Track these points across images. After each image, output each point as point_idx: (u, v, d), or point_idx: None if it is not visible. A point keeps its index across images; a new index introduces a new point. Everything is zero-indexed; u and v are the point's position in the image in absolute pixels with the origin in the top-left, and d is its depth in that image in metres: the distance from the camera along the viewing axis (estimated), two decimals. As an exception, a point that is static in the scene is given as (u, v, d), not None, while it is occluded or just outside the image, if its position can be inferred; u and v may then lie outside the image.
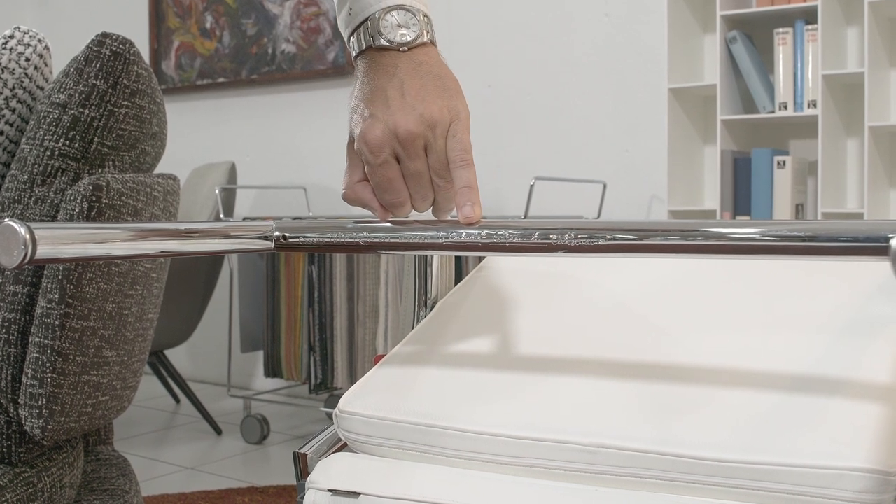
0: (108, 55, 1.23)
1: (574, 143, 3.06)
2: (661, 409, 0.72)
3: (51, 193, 1.20)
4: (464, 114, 0.80)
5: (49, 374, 1.16)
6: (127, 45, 1.25)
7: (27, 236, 0.59)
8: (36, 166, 1.21)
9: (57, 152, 1.20)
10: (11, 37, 1.29)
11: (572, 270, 0.95)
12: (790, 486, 0.65)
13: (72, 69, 1.23)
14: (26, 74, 1.28)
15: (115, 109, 1.23)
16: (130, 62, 1.24)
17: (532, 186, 2.55)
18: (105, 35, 1.24)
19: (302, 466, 0.81)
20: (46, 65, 1.33)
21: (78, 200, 1.17)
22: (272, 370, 3.02)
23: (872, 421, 0.67)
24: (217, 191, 3.01)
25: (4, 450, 1.18)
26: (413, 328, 0.93)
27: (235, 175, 3.33)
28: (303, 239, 0.79)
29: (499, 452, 0.73)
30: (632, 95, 2.96)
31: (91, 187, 1.17)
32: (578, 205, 2.96)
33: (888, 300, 0.82)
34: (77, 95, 1.21)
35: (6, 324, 1.19)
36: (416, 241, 0.76)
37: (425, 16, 0.82)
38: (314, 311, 2.86)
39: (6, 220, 0.59)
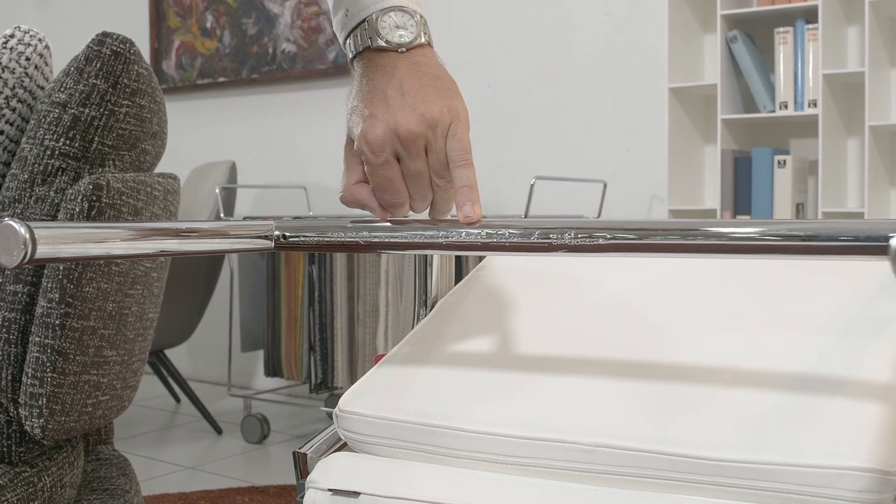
0: (108, 54, 1.23)
1: (574, 142, 3.06)
2: (661, 409, 0.72)
3: (51, 193, 1.21)
4: (463, 114, 0.80)
5: (49, 374, 1.16)
6: (127, 45, 1.25)
7: (27, 236, 0.59)
8: (36, 166, 1.21)
9: (57, 152, 1.20)
10: (12, 36, 1.29)
11: (572, 270, 0.95)
12: (790, 486, 0.65)
13: (72, 68, 1.23)
14: (26, 74, 1.28)
15: (116, 109, 1.23)
16: (131, 61, 1.24)
17: (532, 186, 2.55)
18: (105, 34, 1.24)
19: (302, 466, 0.81)
20: (47, 64, 1.33)
21: (78, 200, 1.17)
22: (272, 370, 3.03)
23: (872, 420, 0.67)
24: (217, 190, 3.01)
25: (4, 449, 1.19)
26: (413, 328, 0.93)
27: (236, 174, 3.33)
28: (303, 238, 0.79)
29: (499, 452, 0.73)
30: (632, 95, 2.96)
31: (91, 187, 1.17)
32: (579, 204, 2.96)
33: (888, 300, 0.82)
34: (77, 95, 1.21)
35: (6, 323, 1.19)
36: (417, 240, 0.76)
37: (422, 17, 0.82)
38: (314, 311, 2.86)
39: (6, 219, 0.59)
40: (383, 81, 0.80)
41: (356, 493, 0.75)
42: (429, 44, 0.83)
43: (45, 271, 1.18)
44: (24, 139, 1.24)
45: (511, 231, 0.73)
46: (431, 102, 0.79)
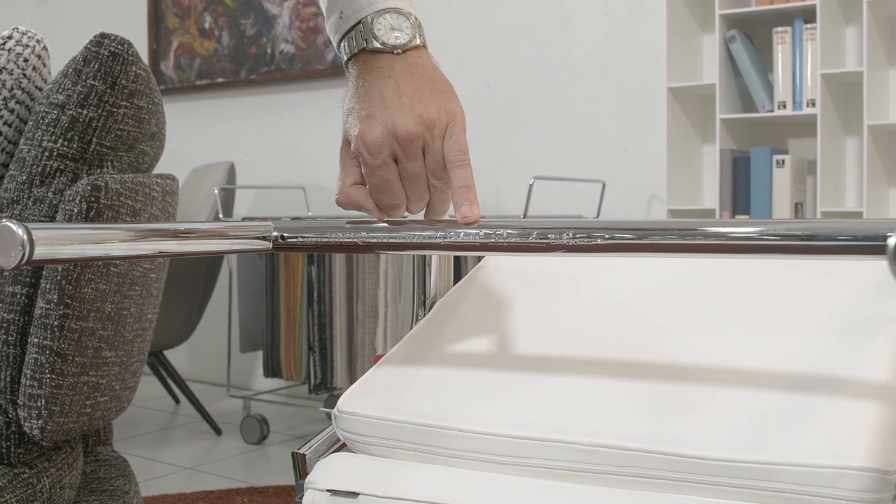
0: (106, 55, 1.23)
1: (573, 142, 3.06)
2: (660, 409, 0.72)
3: (49, 194, 1.20)
4: (460, 115, 0.80)
5: (48, 375, 1.16)
6: (125, 46, 1.25)
7: (25, 237, 0.59)
8: (34, 167, 1.21)
9: (55, 153, 1.20)
10: (10, 37, 1.29)
11: (571, 270, 0.95)
12: (789, 486, 0.65)
13: (70, 70, 1.23)
14: (24, 75, 1.28)
15: (114, 110, 1.23)
16: (129, 62, 1.24)
17: (531, 186, 2.55)
18: (103, 35, 1.24)
19: (301, 466, 0.81)
20: (45, 65, 1.33)
21: (76, 201, 1.17)
22: (271, 370, 3.02)
23: (871, 420, 0.67)
24: (216, 191, 3.01)
25: (3, 450, 1.18)
26: (412, 328, 0.93)
27: (234, 175, 3.33)
28: (301, 239, 0.79)
29: (498, 452, 0.73)
30: (631, 95, 2.96)
31: (89, 188, 1.17)
32: (578, 204, 2.96)
33: (887, 299, 0.82)
34: (75, 96, 1.21)
35: (5, 324, 1.19)
36: (415, 240, 0.76)
37: (416, 19, 0.82)
38: (313, 311, 2.86)
39: (4, 220, 0.59)
40: (380, 83, 0.79)
41: (355, 494, 0.75)
42: (424, 45, 0.83)
43: (44, 272, 1.18)
44: (22, 140, 1.24)
45: (509, 231, 0.73)
46: (428, 104, 0.79)
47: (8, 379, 1.19)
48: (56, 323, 1.16)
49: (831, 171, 2.54)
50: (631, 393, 0.74)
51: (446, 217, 0.83)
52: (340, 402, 0.80)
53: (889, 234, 0.60)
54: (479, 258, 0.98)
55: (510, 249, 0.73)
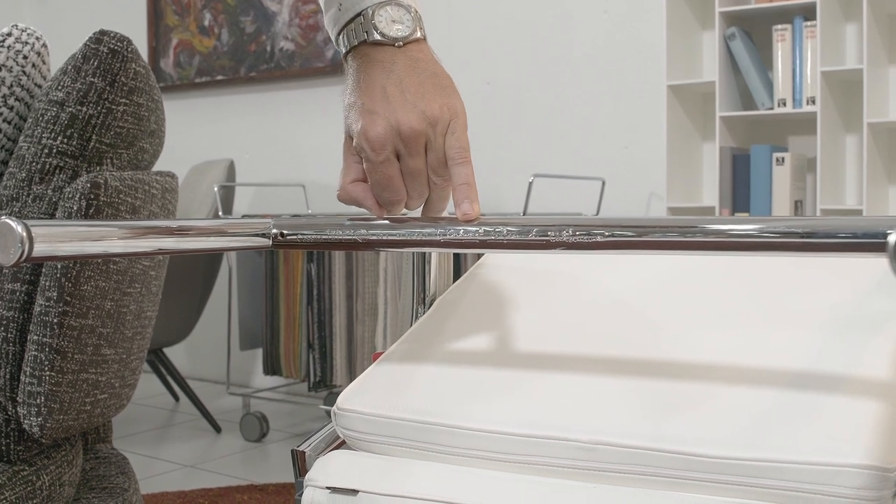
0: (105, 53, 1.22)
1: (573, 140, 3.06)
2: (660, 406, 0.72)
3: (49, 191, 1.20)
4: (461, 111, 0.80)
5: (47, 373, 1.16)
6: (125, 43, 1.25)
7: (24, 234, 0.59)
8: (34, 164, 1.21)
9: (55, 150, 1.20)
10: (9, 34, 1.29)
11: (571, 267, 0.95)
12: (789, 483, 0.65)
13: (70, 67, 1.23)
14: (24, 72, 1.28)
15: (113, 107, 1.23)
16: (128, 60, 1.24)
17: (531, 183, 2.54)
18: (103, 32, 1.24)
19: (300, 464, 0.81)
20: (44, 62, 1.33)
21: (76, 198, 1.17)
22: (271, 368, 3.03)
23: (871, 417, 0.67)
24: (216, 188, 3.01)
25: (3, 448, 1.18)
26: (411, 325, 0.93)
27: (234, 173, 3.33)
28: (301, 236, 0.79)
29: (497, 449, 0.73)
30: (631, 92, 2.96)
31: (89, 185, 1.17)
32: (577, 202, 2.96)
33: (887, 297, 0.82)
34: (75, 93, 1.21)
35: (4, 322, 1.19)
36: (415, 238, 0.76)
37: (417, 12, 0.82)
38: (313, 309, 2.86)
39: (3, 217, 0.59)
40: (382, 77, 0.79)
41: (355, 491, 0.75)
42: (424, 39, 0.82)
43: (43, 270, 1.18)
44: (21, 137, 1.24)
45: (509, 228, 0.73)
46: (431, 100, 0.78)
47: (7, 376, 1.19)
48: (55, 320, 1.16)
49: (831, 169, 2.54)
50: (631, 390, 0.74)
51: (445, 214, 0.83)
52: (340, 400, 0.80)
53: (889, 232, 0.60)
54: (479, 256, 0.98)
55: (510, 247, 0.73)
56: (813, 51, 2.50)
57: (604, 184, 2.81)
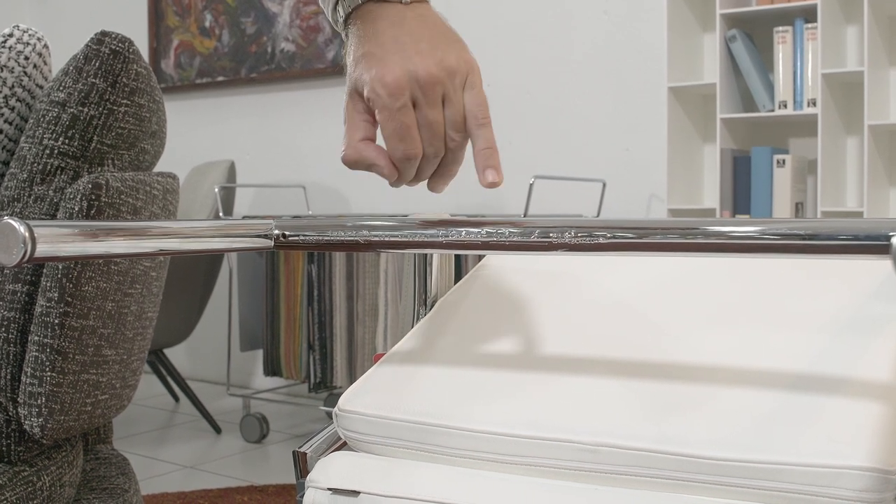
0: (107, 53, 1.22)
1: (574, 141, 3.06)
2: (663, 408, 0.72)
3: (50, 192, 1.20)
4: (477, 67, 0.76)
5: (48, 373, 1.16)
6: (126, 44, 1.25)
7: (26, 234, 0.59)
8: (35, 165, 1.21)
9: (56, 151, 1.20)
10: (10, 35, 1.29)
11: (572, 269, 0.95)
12: (791, 485, 0.65)
13: (71, 67, 1.23)
14: (25, 73, 1.28)
15: (115, 108, 1.23)
16: (130, 60, 1.24)
17: (532, 185, 2.54)
18: (104, 33, 1.24)
19: (301, 465, 0.81)
20: (46, 63, 1.33)
21: (77, 199, 1.17)
22: (271, 369, 3.02)
23: (872, 419, 0.67)
24: (216, 189, 3.01)
25: (4, 448, 1.18)
26: (413, 327, 0.93)
27: (235, 174, 3.33)
28: (302, 237, 0.79)
29: (499, 451, 0.73)
30: (631, 94, 2.96)
31: (90, 186, 1.17)
32: (578, 204, 2.96)
33: (888, 299, 0.82)
34: (76, 94, 1.21)
35: (5, 322, 1.19)
36: (416, 239, 0.76)
37: None
38: (313, 310, 2.86)
39: (5, 218, 0.59)
40: (394, 30, 0.74)
41: (356, 493, 0.75)
42: (428, 1, 0.79)
43: (45, 270, 1.17)
44: (23, 138, 1.24)
45: (511, 230, 0.73)
46: (447, 51, 0.74)
47: (8, 377, 1.19)
48: (57, 321, 1.16)
49: (832, 171, 2.54)
50: (633, 392, 0.74)
51: (445, 216, 0.83)
52: (341, 401, 0.80)
53: (892, 234, 0.60)
54: (480, 257, 0.98)
55: (512, 248, 0.73)
56: (814, 53, 2.50)
57: (604, 185, 2.81)
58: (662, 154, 2.75)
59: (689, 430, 0.69)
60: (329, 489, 0.76)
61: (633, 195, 2.96)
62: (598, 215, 2.82)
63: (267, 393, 3.37)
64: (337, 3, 0.79)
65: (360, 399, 0.80)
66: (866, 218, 2.20)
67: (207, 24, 3.92)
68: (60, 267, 1.16)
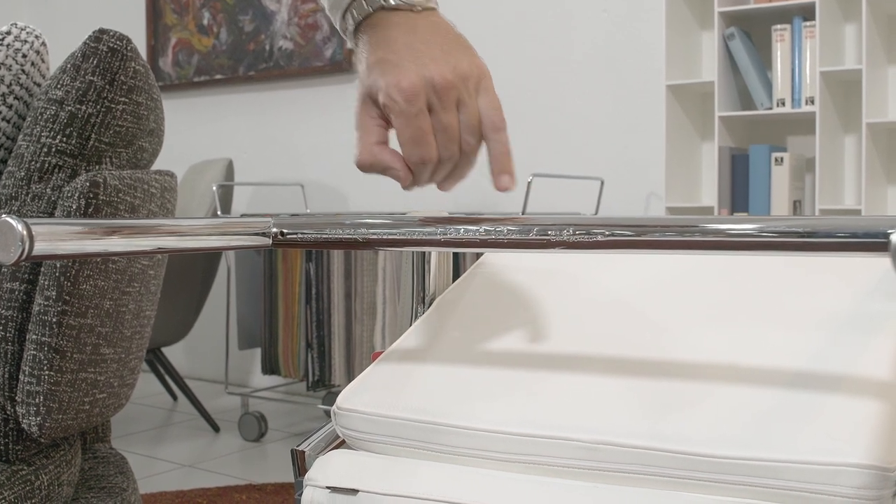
0: (105, 51, 1.22)
1: (572, 139, 3.06)
2: (661, 406, 0.72)
3: (48, 190, 1.20)
4: (489, 73, 0.77)
5: (46, 372, 1.16)
6: (124, 42, 1.24)
7: (24, 232, 0.59)
8: (33, 163, 1.20)
9: (54, 149, 1.20)
10: (8, 33, 1.28)
11: (570, 267, 0.95)
12: (789, 483, 0.65)
13: (69, 65, 1.23)
14: (23, 71, 1.27)
15: (113, 106, 1.23)
16: (127, 58, 1.24)
17: (530, 183, 2.54)
18: (102, 31, 1.24)
19: (300, 463, 0.81)
20: (43, 61, 1.33)
21: (75, 197, 1.17)
22: (270, 367, 3.02)
23: (871, 417, 0.67)
24: (214, 188, 3.01)
25: (2, 447, 1.18)
26: (411, 325, 0.93)
27: (233, 172, 3.33)
28: (301, 235, 0.79)
29: (498, 449, 0.73)
30: (630, 92, 2.96)
31: (88, 184, 1.17)
32: (576, 202, 2.96)
33: (887, 297, 0.82)
34: (74, 92, 1.21)
35: (3, 321, 1.19)
36: (414, 237, 0.76)
37: None
38: (312, 308, 2.86)
39: (3, 216, 0.59)
40: (407, 37, 0.76)
41: (355, 491, 0.75)
42: (438, 9, 0.80)
43: (42, 269, 1.17)
44: (20, 136, 1.24)
45: (509, 228, 0.73)
46: (460, 57, 0.76)
47: (6, 376, 1.19)
48: (54, 319, 1.16)
49: (830, 169, 2.54)
50: (631, 390, 0.74)
51: (444, 213, 0.83)
52: (340, 399, 0.80)
53: (890, 231, 0.60)
54: (479, 255, 0.98)
55: (510, 246, 0.73)
56: (812, 51, 2.50)
57: (602, 183, 2.81)
58: (661, 152, 2.75)
59: (687, 427, 0.69)
60: (327, 487, 0.76)
61: (631, 193, 2.96)
62: (596, 213, 2.82)
63: (265, 391, 3.37)
64: (346, 12, 0.79)
65: (358, 397, 0.80)
66: (864, 215, 2.20)
67: (205, 22, 3.92)
68: (58, 265, 1.16)
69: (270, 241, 0.79)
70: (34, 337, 1.17)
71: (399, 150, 0.76)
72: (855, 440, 0.65)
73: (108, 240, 0.67)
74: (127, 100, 1.24)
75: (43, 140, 1.20)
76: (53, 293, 1.16)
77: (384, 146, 0.76)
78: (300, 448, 0.82)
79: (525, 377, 0.78)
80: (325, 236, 0.79)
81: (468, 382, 0.79)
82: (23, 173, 1.21)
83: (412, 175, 0.76)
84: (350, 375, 2.83)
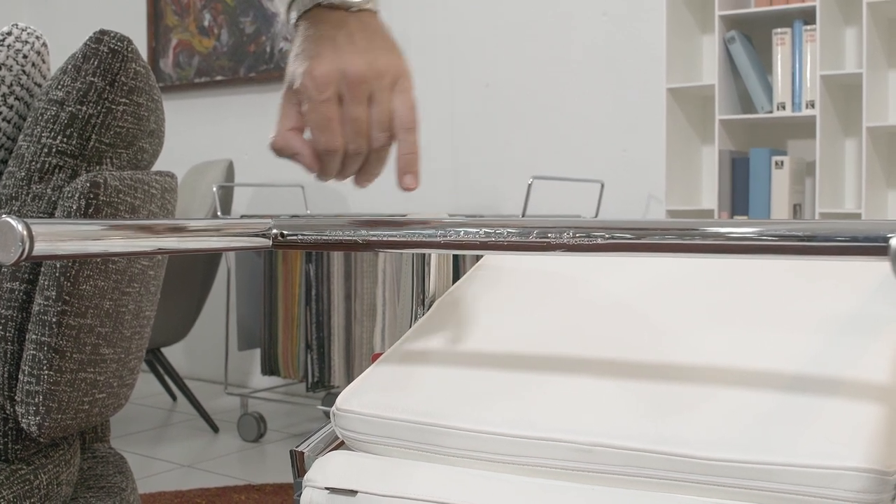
0: (105, 52, 1.22)
1: (572, 142, 3.06)
2: (659, 408, 0.72)
3: (48, 190, 1.20)
4: (410, 74, 0.80)
5: (46, 372, 1.16)
6: (125, 43, 1.25)
7: (24, 232, 0.59)
8: (33, 163, 1.20)
9: (54, 149, 1.20)
10: (9, 33, 1.29)
11: (570, 269, 0.95)
12: (788, 486, 0.65)
13: (69, 66, 1.23)
14: (24, 71, 1.28)
15: (113, 107, 1.23)
16: (128, 59, 1.24)
17: (530, 185, 2.55)
18: (103, 32, 1.24)
19: (299, 464, 0.81)
20: (44, 62, 1.33)
21: (75, 197, 1.17)
22: (269, 368, 3.02)
23: (870, 420, 0.67)
24: (214, 189, 3.01)
25: (1, 447, 1.18)
26: (410, 327, 0.93)
27: (233, 173, 3.33)
28: (301, 237, 0.79)
29: (496, 451, 0.73)
30: (630, 95, 2.96)
31: (88, 184, 1.17)
32: (576, 204, 2.96)
33: (886, 300, 0.82)
34: (75, 92, 1.21)
35: (3, 321, 1.19)
36: (414, 239, 0.76)
37: None
38: (311, 310, 2.86)
39: (3, 216, 0.59)
40: (332, 30, 0.79)
41: (353, 492, 0.75)
42: (377, 13, 0.83)
43: (42, 269, 1.17)
44: (21, 137, 1.24)
45: (509, 230, 0.73)
46: (380, 54, 0.78)
47: (6, 375, 1.19)
48: (54, 319, 1.16)
49: (830, 173, 2.54)
50: (629, 392, 0.74)
51: (440, 216, 0.83)
52: (339, 400, 0.80)
53: (890, 235, 0.60)
54: (479, 257, 0.98)
55: (510, 248, 0.73)
56: (812, 54, 2.50)
57: (602, 186, 2.81)
58: (661, 155, 2.75)
59: (685, 430, 0.69)
60: (326, 488, 0.76)
61: (631, 196, 2.96)
62: (596, 216, 2.82)
63: (264, 392, 3.37)
64: (290, 7, 0.83)
65: (357, 398, 0.80)
66: (864, 219, 2.20)
67: (206, 23, 3.92)
68: (58, 265, 1.16)
69: (270, 243, 0.79)
70: (34, 337, 1.17)
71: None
72: (854, 444, 0.65)
73: (108, 240, 0.67)
74: (127, 101, 1.24)
75: (43, 140, 1.20)
76: (53, 293, 1.16)
77: (297, 133, 0.80)
78: (299, 449, 0.82)
79: (524, 379, 0.78)
80: (325, 238, 0.79)
81: (468, 384, 0.79)
82: (23, 173, 1.21)
83: (319, 164, 0.79)
84: (349, 377, 2.82)
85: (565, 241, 0.70)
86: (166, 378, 3.44)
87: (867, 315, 0.80)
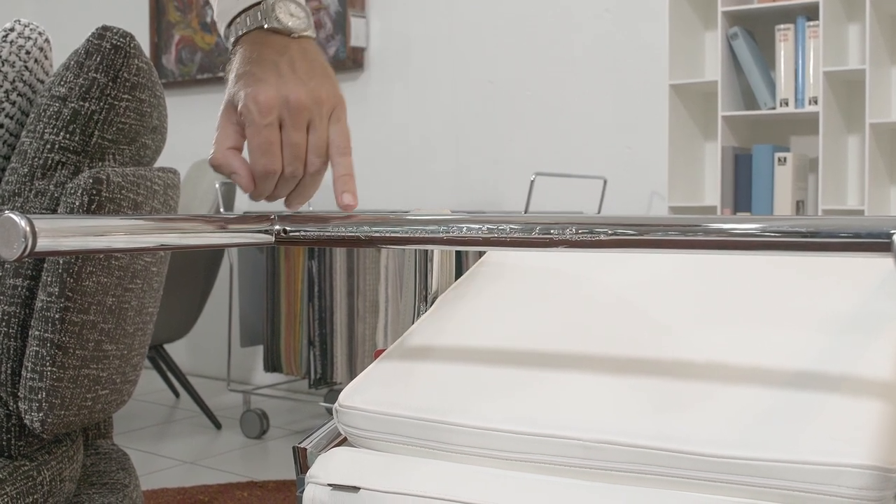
0: (108, 48, 1.22)
1: (575, 138, 3.06)
2: (662, 405, 0.72)
3: (51, 187, 1.20)
4: (344, 104, 0.84)
5: (49, 368, 1.16)
6: (127, 39, 1.24)
7: (27, 229, 0.59)
8: (36, 159, 1.21)
9: (57, 145, 1.20)
10: (12, 30, 1.29)
11: (573, 266, 0.95)
12: (790, 483, 0.65)
13: (72, 62, 1.23)
14: (26, 67, 1.28)
15: (116, 103, 1.23)
16: (131, 55, 1.24)
17: (532, 182, 2.54)
18: (105, 28, 1.24)
19: (302, 461, 0.81)
20: (47, 58, 1.33)
21: (78, 194, 1.17)
22: (272, 365, 3.03)
23: (873, 417, 0.67)
24: (217, 185, 3.01)
25: (4, 443, 1.18)
26: (413, 323, 0.93)
27: (236, 169, 3.32)
28: (303, 233, 0.79)
29: (499, 448, 0.73)
30: (633, 91, 2.95)
31: (91, 181, 1.17)
32: (579, 201, 2.96)
33: (889, 297, 0.82)
34: (77, 89, 1.21)
35: (6, 317, 1.19)
36: (417, 235, 0.76)
37: (310, 12, 0.87)
38: (314, 306, 2.86)
39: (6, 212, 0.59)
40: (275, 55, 0.82)
41: (356, 488, 0.75)
42: (314, 38, 0.86)
43: (45, 265, 1.18)
44: (23, 133, 1.24)
45: (512, 226, 0.73)
46: (320, 84, 0.82)
47: (9, 371, 1.19)
48: (57, 316, 1.16)
49: (833, 169, 2.54)
50: (632, 389, 0.74)
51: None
52: (342, 397, 0.80)
53: (893, 231, 0.60)
54: (481, 254, 0.98)
55: (513, 244, 0.73)
56: (815, 51, 2.50)
57: (605, 183, 2.81)
58: (663, 151, 2.74)
59: (688, 427, 0.69)
60: (329, 485, 0.76)
61: (634, 193, 2.96)
62: (599, 213, 2.82)
63: (267, 389, 3.38)
64: (230, 25, 0.86)
65: (360, 395, 0.80)
66: (867, 216, 2.19)
67: (209, 19, 3.92)
68: (61, 262, 1.16)
69: (273, 239, 0.79)
70: (37, 333, 1.17)
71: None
72: (856, 441, 0.65)
73: (110, 236, 0.67)
74: (130, 97, 1.24)
75: (46, 137, 1.20)
76: (56, 289, 1.16)
77: (236, 152, 0.82)
78: (302, 445, 0.82)
79: (527, 376, 0.78)
80: (327, 234, 0.79)
81: (470, 381, 0.79)
82: (26, 170, 1.21)
83: (255, 185, 0.82)
84: (352, 373, 2.83)
85: (568, 237, 0.70)
86: (169, 375, 3.44)
87: (869, 312, 0.80)
